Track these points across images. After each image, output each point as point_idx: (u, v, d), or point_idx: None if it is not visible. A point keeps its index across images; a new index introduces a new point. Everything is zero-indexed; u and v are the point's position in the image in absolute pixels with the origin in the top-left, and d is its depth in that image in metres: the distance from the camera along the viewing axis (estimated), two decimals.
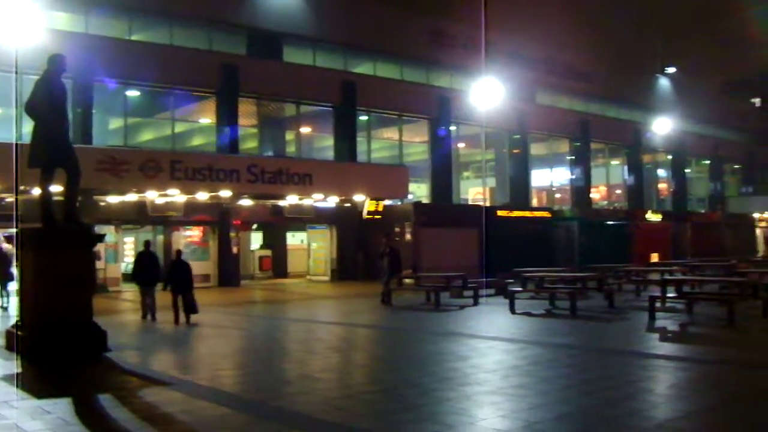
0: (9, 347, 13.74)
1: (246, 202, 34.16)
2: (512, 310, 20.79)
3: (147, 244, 21.86)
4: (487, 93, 37.07)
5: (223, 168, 31.56)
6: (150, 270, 20.46)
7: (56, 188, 14.47)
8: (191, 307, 19.27)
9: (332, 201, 35.95)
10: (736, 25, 68.84)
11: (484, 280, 28.57)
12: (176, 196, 31.32)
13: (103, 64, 30.85)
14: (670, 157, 60.50)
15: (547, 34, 49.07)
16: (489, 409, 8.99)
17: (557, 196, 53.49)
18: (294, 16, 38.14)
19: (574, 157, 52.02)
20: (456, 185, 45.75)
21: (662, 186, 62.16)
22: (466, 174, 52.07)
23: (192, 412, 8.92)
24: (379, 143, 44.32)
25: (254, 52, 37.24)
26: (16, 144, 24.38)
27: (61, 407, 9.16)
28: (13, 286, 21.15)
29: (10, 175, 23.50)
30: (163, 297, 20.27)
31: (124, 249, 34.48)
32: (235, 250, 34.87)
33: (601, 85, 53.28)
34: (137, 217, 32.33)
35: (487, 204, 45.61)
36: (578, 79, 51.74)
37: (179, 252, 21.42)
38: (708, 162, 65.35)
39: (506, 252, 35.03)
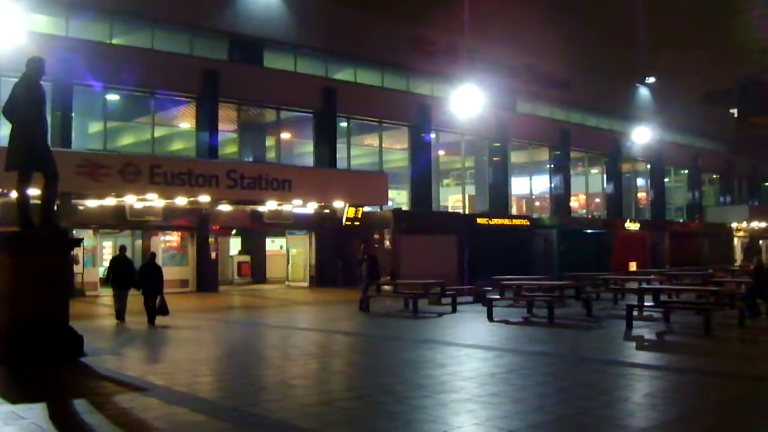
0: None
1: (225, 207, 34.13)
2: (490, 318, 20.83)
3: (122, 249, 22.10)
4: (467, 101, 37.06)
5: (202, 173, 31.47)
6: (125, 274, 20.89)
7: (34, 191, 14.40)
8: (162, 309, 19.95)
9: (311, 207, 35.97)
10: (715, 35, 69.34)
11: (463, 287, 28.64)
12: (155, 200, 31.25)
13: (83, 68, 30.68)
14: (649, 166, 60.74)
15: (527, 42, 49.32)
16: (465, 416, 9.00)
17: (536, 204, 53.59)
18: (275, 22, 38.11)
19: (553, 166, 52.16)
20: (436, 192, 45.79)
21: (641, 195, 62.41)
22: (445, 181, 52.16)
23: (167, 418, 8.89)
24: (359, 150, 44.33)
25: (235, 58, 37.19)
26: None
27: (36, 412, 9.10)
28: None
29: None
30: (136, 300, 20.82)
31: (102, 253, 34.33)
32: (213, 255, 34.81)
33: (581, 94, 53.47)
34: (116, 221, 32.23)
35: (467, 211, 45.70)
36: (559, 88, 51.90)
37: (153, 255, 22.25)
38: (687, 171, 65.69)
39: (485, 259, 35.16)
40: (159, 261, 25.59)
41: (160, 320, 19.94)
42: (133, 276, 20.98)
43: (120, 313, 20.96)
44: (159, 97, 34.79)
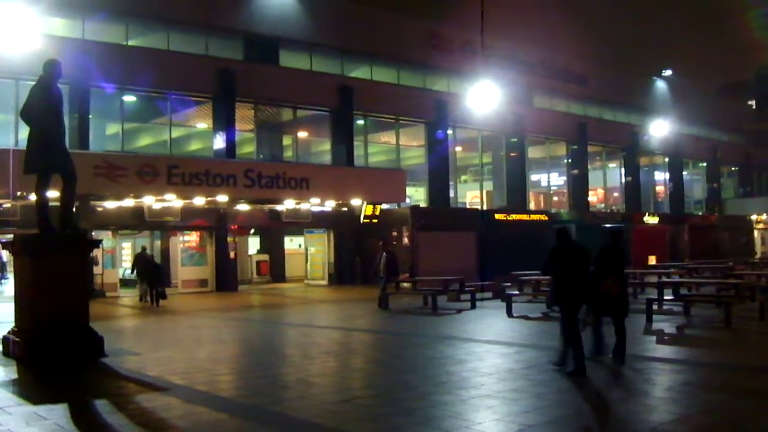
0: (5, 353, 13.73)
1: (243, 206, 34.18)
2: (509, 314, 20.81)
3: (143, 248, 29.70)
4: (484, 96, 36.94)
5: (220, 173, 31.51)
6: (144, 267, 27.91)
7: (53, 194, 14.46)
8: (162, 295, 26.77)
9: (329, 205, 35.92)
10: (732, 27, 68.96)
11: (482, 283, 28.61)
12: (173, 201, 31.31)
13: (99, 70, 30.82)
14: (667, 159, 60.51)
15: (544, 37, 49.15)
16: (485, 413, 9.00)
17: (554, 199, 53.48)
18: (290, 21, 38.14)
19: (571, 160, 52.05)
20: (453, 189, 45.76)
21: (659, 188, 62.15)
22: (463, 177, 52.01)
23: (188, 418, 8.93)
24: (377, 147, 44.33)
25: (251, 57, 37.22)
26: (13, 150, 24.50)
27: (57, 413, 9.16)
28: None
29: (7, 181, 23.65)
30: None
31: (121, 254, 34.46)
32: (232, 254, 34.86)
33: (598, 87, 53.30)
34: (134, 222, 32.36)
35: (485, 207, 45.63)
36: (575, 82, 51.77)
37: (152, 256, 30.27)
38: (705, 164, 65.40)
39: (503, 255, 35.01)
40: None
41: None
42: (150, 269, 27.80)
43: (141, 296, 27.88)
44: (175, 97, 34.89)
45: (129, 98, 34.40)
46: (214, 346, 16.12)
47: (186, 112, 37.02)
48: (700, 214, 62.51)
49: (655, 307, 19.65)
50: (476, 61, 41.07)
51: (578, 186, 51.43)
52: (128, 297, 30.38)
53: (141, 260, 28.43)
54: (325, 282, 37.85)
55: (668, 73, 62.81)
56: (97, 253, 28.45)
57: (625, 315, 13.02)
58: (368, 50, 41.33)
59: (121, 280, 32.55)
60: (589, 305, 12.40)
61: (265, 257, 40.80)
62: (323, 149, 41.20)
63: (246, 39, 37.27)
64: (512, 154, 47.68)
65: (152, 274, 27.60)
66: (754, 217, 62.93)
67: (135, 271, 28.70)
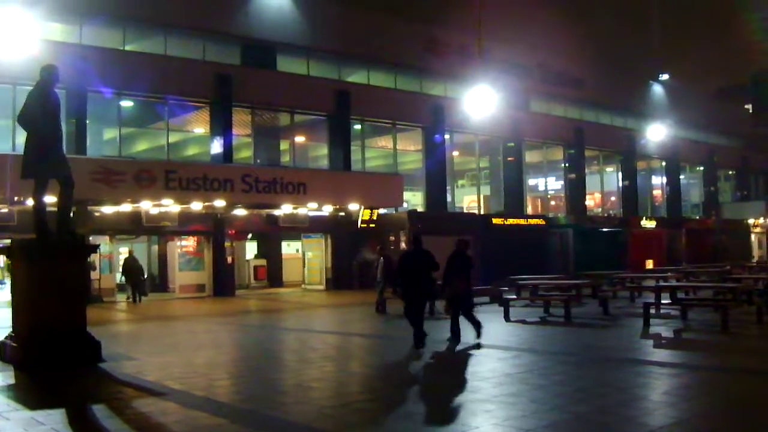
0: (2, 358, 13.70)
1: (240, 211, 34.17)
2: (507, 318, 20.80)
3: (130, 253, 32.25)
4: (481, 101, 37.09)
5: (217, 178, 31.55)
6: (130, 268, 31.14)
7: (51, 199, 14.44)
8: (143, 293, 31.17)
9: (327, 210, 35.93)
10: (729, 31, 69.09)
11: (479, 287, 28.57)
12: (171, 206, 31.33)
13: (97, 74, 30.84)
14: (664, 163, 60.58)
15: (540, 41, 49.23)
16: (482, 417, 8.98)
17: (552, 203, 53.50)
18: (288, 26, 38.17)
19: (568, 165, 52.08)
20: (451, 193, 45.78)
21: (657, 192, 62.19)
22: (460, 182, 52.08)
23: (186, 422, 8.91)
24: (374, 152, 44.34)
25: (248, 62, 37.25)
26: (11, 155, 24.50)
27: (55, 418, 9.14)
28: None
29: (4, 186, 23.62)
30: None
31: (119, 259, 34.47)
32: (229, 259, 34.87)
33: (594, 92, 53.34)
34: (132, 227, 32.36)
35: (482, 212, 45.63)
36: (572, 87, 51.79)
37: (134, 259, 31.77)
38: (702, 168, 65.44)
39: (501, 260, 35.02)
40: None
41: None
42: (133, 270, 31.08)
43: (130, 296, 30.54)
44: (173, 102, 34.89)
45: (126, 103, 34.44)
46: (211, 351, 16.09)
47: (183, 116, 37.00)
48: (697, 218, 62.56)
49: (652, 311, 19.66)
50: (473, 65, 41.15)
51: (575, 190, 51.45)
52: (125, 302, 30.42)
53: (126, 265, 31.42)
54: (322, 287, 37.83)
55: (665, 77, 62.93)
56: (94, 258, 28.43)
57: (471, 308, 16.43)
58: (365, 55, 41.36)
59: (118, 285, 32.54)
60: (433, 300, 16.38)
61: (263, 262, 40.78)
62: (320, 154, 41.23)
63: (243, 44, 37.30)
64: (509, 159, 47.70)
65: (135, 275, 30.94)
66: (751, 221, 62.99)
67: (124, 277, 31.60)
